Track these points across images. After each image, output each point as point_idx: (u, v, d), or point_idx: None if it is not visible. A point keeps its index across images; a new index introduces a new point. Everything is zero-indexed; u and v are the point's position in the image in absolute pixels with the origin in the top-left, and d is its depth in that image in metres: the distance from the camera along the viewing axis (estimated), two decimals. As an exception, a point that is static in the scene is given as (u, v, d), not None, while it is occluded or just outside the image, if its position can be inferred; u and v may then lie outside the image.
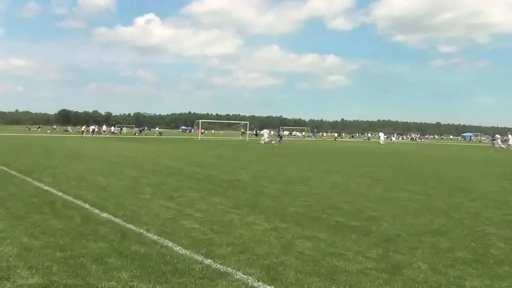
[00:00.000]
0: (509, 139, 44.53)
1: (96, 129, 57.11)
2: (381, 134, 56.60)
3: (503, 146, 39.46)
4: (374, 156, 24.75)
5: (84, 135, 47.53)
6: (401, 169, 15.47)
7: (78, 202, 7.13)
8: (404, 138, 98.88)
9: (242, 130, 61.19)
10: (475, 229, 5.95)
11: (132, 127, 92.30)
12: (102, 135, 53.83)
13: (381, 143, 48.78)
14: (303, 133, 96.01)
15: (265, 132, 42.86)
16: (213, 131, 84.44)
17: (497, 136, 44.65)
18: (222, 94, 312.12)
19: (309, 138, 74.95)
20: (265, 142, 38.25)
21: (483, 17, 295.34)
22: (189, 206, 7.07)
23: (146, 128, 76.94)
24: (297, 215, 6.61)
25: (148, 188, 8.85)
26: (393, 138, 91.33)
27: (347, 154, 25.59)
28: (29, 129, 78.81)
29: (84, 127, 54.79)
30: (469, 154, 30.30)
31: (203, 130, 58.58)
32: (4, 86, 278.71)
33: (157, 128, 74.95)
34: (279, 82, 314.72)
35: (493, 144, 40.43)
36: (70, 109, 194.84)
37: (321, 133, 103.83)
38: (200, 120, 58.64)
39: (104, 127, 67.32)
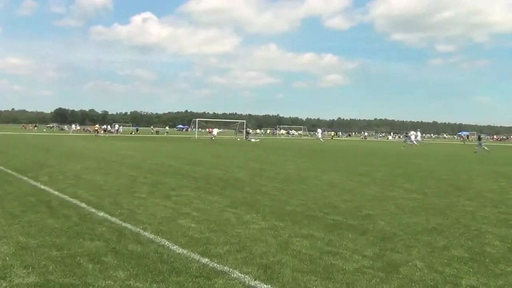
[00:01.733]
0: (417, 135, 46.00)
1: (108, 129, 57.71)
2: (319, 130, 55.49)
3: (414, 142, 40.72)
4: (371, 155, 24.81)
5: (97, 134, 48.65)
6: (398, 168, 15.51)
7: (75, 201, 7.11)
8: (401, 137, 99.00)
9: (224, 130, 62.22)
10: (472, 228, 5.97)
11: (129, 126, 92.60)
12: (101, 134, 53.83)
13: (321, 140, 48.22)
14: (300, 131, 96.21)
15: (214, 130, 50.32)
16: (207, 130, 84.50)
17: (412, 132, 46.19)
18: (220, 93, 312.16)
19: (306, 137, 74.97)
20: (212, 139, 43.66)
21: (482, 16, 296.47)
22: (186, 205, 7.07)
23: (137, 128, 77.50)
24: (294, 213, 6.61)
25: (145, 187, 8.84)
26: (390, 137, 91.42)
27: (344, 153, 25.62)
28: (25, 127, 78.48)
29: (97, 126, 55.72)
30: (463, 152, 30.39)
31: (211, 129, 59.07)
32: (0, 84, 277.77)
33: (166, 128, 77.70)
34: (276, 81, 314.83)
35: (406, 140, 41.69)
36: (67, 108, 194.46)
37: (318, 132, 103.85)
38: (197, 119, 58.52)
39: (117, 126, 67.55)
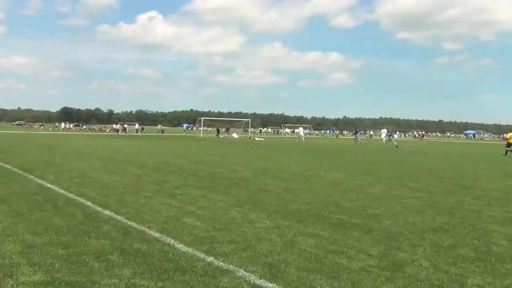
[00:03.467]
0: (382, 132, 46.11)
1: (122, 128, 58.27)
2: (301, 129, 54.29)
3: (384, 139, 41.17)
4: (375, 154, 24.73)
5: (118, 133, 50.71)
6: (403, 167, 15.44)
7: (81, 199, 7.15)
8: (406, 135, 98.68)
9: (223, 128, 62.77)
10: (478, 227, 5.94)
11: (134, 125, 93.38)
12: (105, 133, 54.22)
13: (302, 139, 47.33)
14: (306, 130, 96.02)
15: (234, 134, 52.64)
16: (209, 129, 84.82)
17: (384, 131, 46.63)
18: (224, 92, 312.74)
19: (311, 136, 74.76)
20: (251, 138, 46.70)
21: (488, 14, 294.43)
22: (191, 203, 7.08)
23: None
24: (299, 212, 6.61)
25: (150, 186, 8.87)
26: (396, 136, 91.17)
27: (349, 152, 25.55)
28: (31, 126, 78.82)
29: (118, 125, 57.74)
30: (470, 151, 30.22)
31: (225, 128, 59.73)
32: (6, 84, 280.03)
33: (184, 126, 79.48)
34: (281, 80, 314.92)
35: (356, 138, 42.89)
36: (72, 107, 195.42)
37: (322, 131, 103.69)
38: (203, 118, 58.64)
39: (136, 125, 68.28)
